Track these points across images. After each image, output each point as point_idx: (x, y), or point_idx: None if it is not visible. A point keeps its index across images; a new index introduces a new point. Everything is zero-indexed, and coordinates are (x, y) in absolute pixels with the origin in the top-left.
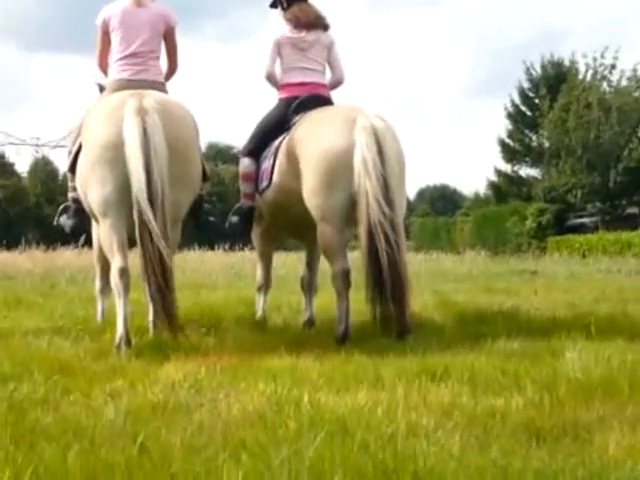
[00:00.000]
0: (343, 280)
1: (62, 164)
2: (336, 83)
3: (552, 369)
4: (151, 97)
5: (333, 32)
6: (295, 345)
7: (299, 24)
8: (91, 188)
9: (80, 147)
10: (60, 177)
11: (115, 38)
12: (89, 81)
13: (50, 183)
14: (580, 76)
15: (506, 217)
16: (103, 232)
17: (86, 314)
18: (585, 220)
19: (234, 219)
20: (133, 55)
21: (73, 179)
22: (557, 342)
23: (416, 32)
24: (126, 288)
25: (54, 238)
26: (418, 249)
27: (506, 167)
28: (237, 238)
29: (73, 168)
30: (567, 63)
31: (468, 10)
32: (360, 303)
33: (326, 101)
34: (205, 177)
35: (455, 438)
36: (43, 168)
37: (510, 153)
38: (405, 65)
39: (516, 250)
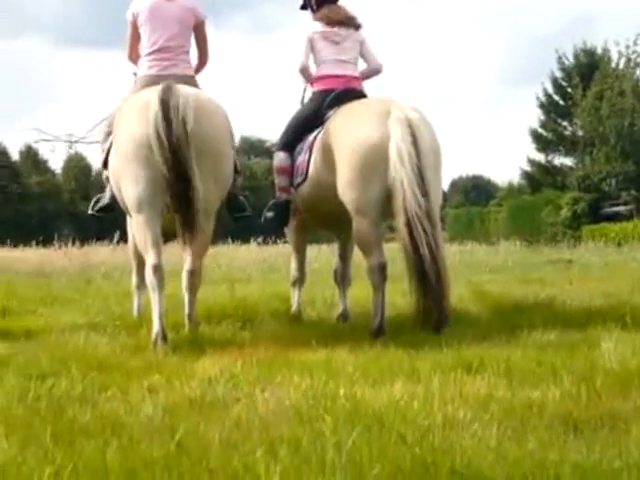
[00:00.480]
0: (379, 274)
1: (96, 160)
2: (372, 72)
3: (589, 360)
4: (182, 89)
5: (365, 30)
6: (330, 338)
7: (330, 22)
8: (125, 185)
9: (112, 144)
10: (94, 173)
11: (144, 33)
12: (124, 74)
13: (84, 179)
14: (613, 64)
15: (540, 207)
16: (137, 228)
17: (122, 310)
18: (620, 208)
19: (270, 214)
20: (162, 50)
21: (106, 174)
22: (593, 333)
23: (448, 21)
24: (160, 284)
25: (89, 234)
26: (452, 240)
27: (539, 157)
28: (271, 232)
29: (106, 164)
30: (600, 51)
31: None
32: (394, 295)
33: (360, 94)
34: (236, 171)
35: (492, 430)
36: (77, 164)
37: (543, 142)
38: (437, 55)
39: (551, 240)
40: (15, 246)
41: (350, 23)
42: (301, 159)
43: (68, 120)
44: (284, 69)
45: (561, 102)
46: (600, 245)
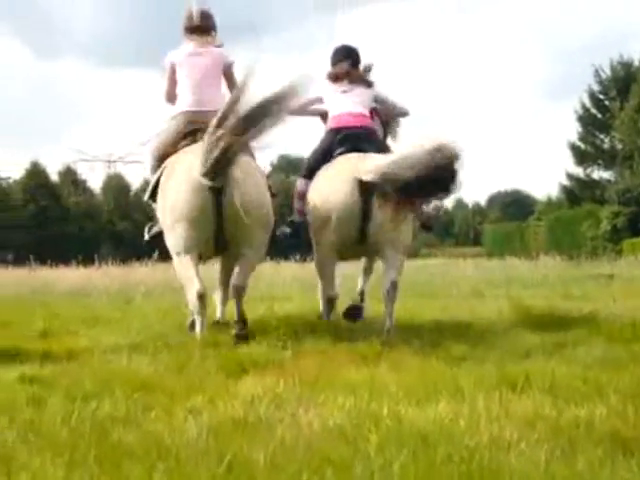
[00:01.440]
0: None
1: (134, 179)
2: (400, 115)
3: (635, 377)
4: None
5: (379, 87)
6: (371, 356)
7: (337, 79)
8: (168, 234)
9: (159, 179)
10: (132, 192)
11: (182, 78)
12: (158, 94)
13: (123, 199)
14: None
15: (580, 221)
16: (177, 267)
17: (162, 329)
18: None
19: (286, 230)
20: (197, 91)
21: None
22: (639, 349)
23: (486, 36)
24: (204, 310)
25: (128, 253)
26: (490, 255)
27: (578, 170)
28: (292, 248)
29: (153, 195)
30: (637, 63)
31: (536, 13)
32: (433, 311)
33: (366, 133)
34: (272, 194)
35: (540, 450)
36: (116, 184)
37: (582, 156)
38: (475, 70)
39: (591, 254)
40: (55, 266)
41: (356, 80)
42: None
43: (108, 140)
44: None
45: (599, 115)
46: None
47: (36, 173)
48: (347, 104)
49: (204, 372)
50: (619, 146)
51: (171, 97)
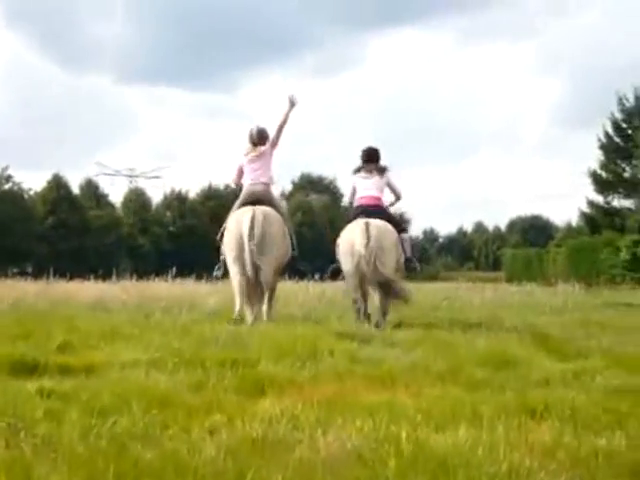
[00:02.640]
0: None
1: (155, 194)
2: (396, 201)
3: None
4: (261, 212)
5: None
6: (389, 379)
7: (363, 172)
8: (229, 266)
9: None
10: (153, 207)
11: (245, 171)
12: (181, 110)
13: (143, 213)
14: None
15: (600, 248)
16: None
17: (181, 346)
18: None
19: (329, 272)
20: (254, 177)
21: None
22: None
23: (509, 61)
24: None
25: (147, 268)
26: (509, 280)
27: (598, 198)
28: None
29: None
30: None
31: (559, 40)
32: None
33: (376, 210)
34: (293, 248)
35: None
36: (137, 198)
37: (603, 184)
38: (497, 96)
39: (610, 282)
40: (74, 279)
41: (375, 171)
42: None
43: (130, 155)
44: (344, 109)
45: (621, 144)
46: None
47: (57, 185)
48: (368, 188)
49: (222, 391)
50: None
51: (237, 183)
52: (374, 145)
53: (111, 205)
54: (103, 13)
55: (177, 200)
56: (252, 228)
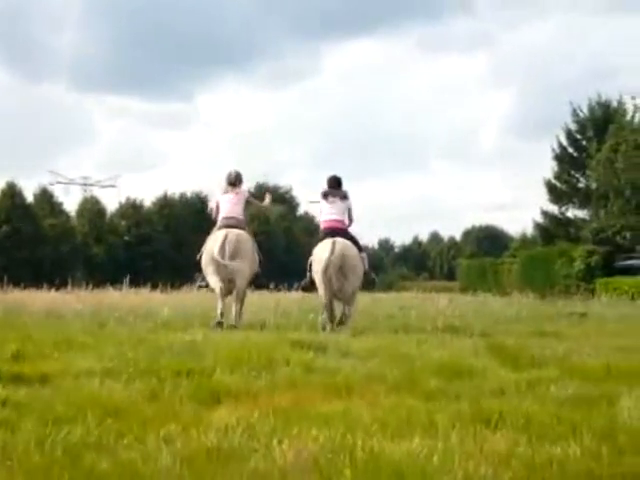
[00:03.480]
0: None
1: (109, 203)
2: (350, 224)
3: (608, 417)
4: (233, 232)
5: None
6: (345, 388)
7: (328, 196)
8: (208, 277)
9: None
10: (108, 216)
11: (221, 207)
12: (136, 120)
13: (98, 222)
14: (628, 117)
15: (554, 259)
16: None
17: (136, 355)
18: (634, 262)
19: (301, 286)
20: (229, 212)
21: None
22: (612, 388)
23: (463, 72)
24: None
25: (101, 277)
26: (464, 290)
27: (553, 208)
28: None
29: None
30: (615, 104)
31: (515, 51)
32: (410, 345)
33: (341, 232)
34: (260, 261)
35: None
36: (91, 207)
37: (557, 194)
38: (451, 106)
39: (564, 292)
40: (28, 287)
41: (340, 196)
42: None
43: (84, 164)
44: (300, 119)
45: (575, 154)
46: (614, 298)
47: (12, 194)
48: (333, 212)
49: (177, 400)
50: (594, 185)
51: (215, 216)
52: (337, 174)
53: (66, 214)
54: (57, 21)
55: (132, 209)
56: (224, 249)
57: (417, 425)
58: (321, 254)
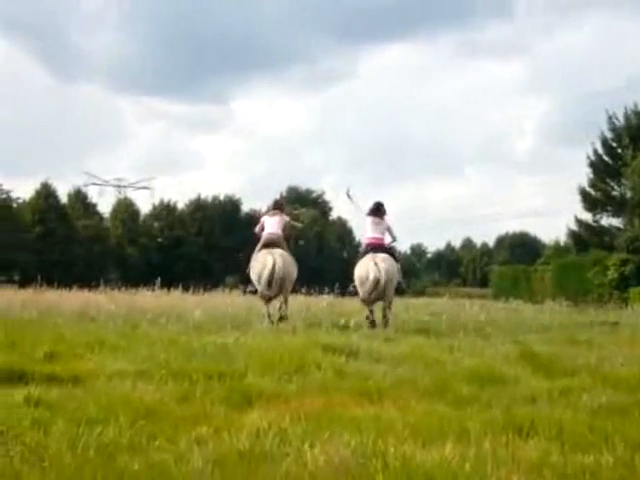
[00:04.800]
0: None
1: (143, 205)
2: (392, 241)
3: None
4: (278, 252)
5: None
6: (376, 393)
7: (373, 216)
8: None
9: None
10: (141, 218)
11: (267, 224)
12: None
13: (131, 224)
14: None
15: (587, 267)
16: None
17: (168, 357)
18: None
19: (347, 291)
20: (273, 230)
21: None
22: None
23: (498, 77)
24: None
25: (134, 278)
26: (496, 297)
27: (587, 216)
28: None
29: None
30: None
31: (552, 56)
32: (441, 352)
33: (381, 247)
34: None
35: None
36: (125, 209)
37: (591, 202)
38: (486, 111)
39: (597, 301)
40: (62, 288)
41: (381, 216)
42: None
43: (119, 165)
44: (334, 123)
45: (611, 162)
46: None
47: (46, 195)
48: (376, 231)
49: (209, 402)
50: (629, 194)
51: (259, 233)
52: (380, 200)
53: (99, 215)
54: (95, 22)
55: (165, 211)
56: (274, 266)
57: (449, 432)
58: (365, 270)
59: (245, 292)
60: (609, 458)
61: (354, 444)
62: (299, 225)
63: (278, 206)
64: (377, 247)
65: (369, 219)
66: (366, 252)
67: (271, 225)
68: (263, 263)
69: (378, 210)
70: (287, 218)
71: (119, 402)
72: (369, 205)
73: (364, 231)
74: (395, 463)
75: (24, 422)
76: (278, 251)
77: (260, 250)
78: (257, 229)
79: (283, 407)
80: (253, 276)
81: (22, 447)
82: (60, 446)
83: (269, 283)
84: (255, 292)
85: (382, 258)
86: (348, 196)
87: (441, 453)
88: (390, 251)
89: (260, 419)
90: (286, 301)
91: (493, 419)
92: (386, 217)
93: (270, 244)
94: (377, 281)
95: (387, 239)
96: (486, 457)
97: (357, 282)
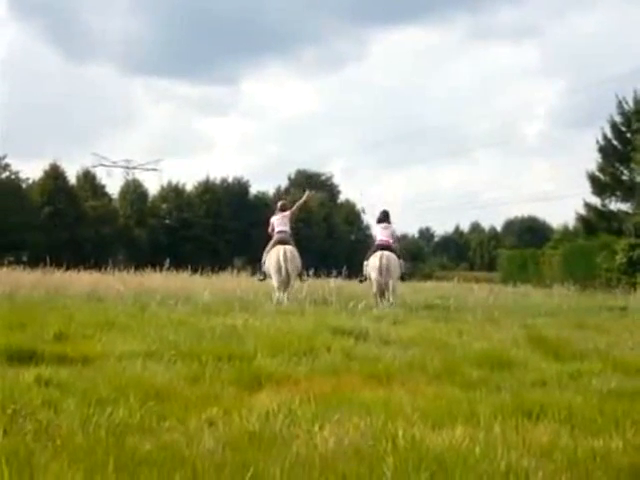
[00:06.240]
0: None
1: (152, 186)
2: (397, 242)
3: None
4: (288, 249)
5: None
6: (386, 376)
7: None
8: (272, 275)
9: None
10: (149, 200)
11: (275, 225)
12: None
13: (139, 205)
14: None
15: (595, 251)
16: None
17: (177, 339)
18: None
19: (361, 279)
20: (281, 228)
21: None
22: None
23: (509, 61)
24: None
25: (142, 259)
26: (504, 281)
27: (596, 201)
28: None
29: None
30: None
31: (564, 41)
32: (451, 334)
33: (388, 247)
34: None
35: None
36: (133, 190)
37: (600, 187)
38: (496, 95)
39: (605, 285)
40: (71, 269)
41: (387, 221)
42: None
43: (127, 147)
44: (344, 106)
45: (620, 147)
46: None
47: (54, 176)
48: (383, 234)
49: (219, 384)
50: (638, 179)
51: (270, 233)
52: (387, 209)
53: (108, 196)
54: (107, 3)
55: (174, 193)
56: (285, 260)
57: (458, 415)
58: (375, 261)
59: (258, 279)
60: (619, 442)
61: (364, 426)
62: (304, 203)
63: (283, 208)
64: (385, 246)
65: (379, 226)
66: (375, 250)
67: (280, 224)
68: (276, 256)
69: (385, 217)
70: (290, 212)
71: (129, 383)
72: (377, 214)
73: (374, 235)
74: (405, 445)
75: (35, 401)
76: (288, 247)
77: (273, 247)
78: (269, 230)
79: (293, 389)
80: (268, 267)
81: (34, 425)
82: (71, 426)
83: (279, 271)
84: (263, 279)
85: (388, 254)
86: (360, 198)
87: (451, 436)
88: (395, 251)
89: (270, 401)
90: (292, 287)
91: (503, 403)
92: (392, 225)
93: (281, 241)
94: (386, 266)
95: (391, 240)
96: (496, 440)
97: (370, 268)
